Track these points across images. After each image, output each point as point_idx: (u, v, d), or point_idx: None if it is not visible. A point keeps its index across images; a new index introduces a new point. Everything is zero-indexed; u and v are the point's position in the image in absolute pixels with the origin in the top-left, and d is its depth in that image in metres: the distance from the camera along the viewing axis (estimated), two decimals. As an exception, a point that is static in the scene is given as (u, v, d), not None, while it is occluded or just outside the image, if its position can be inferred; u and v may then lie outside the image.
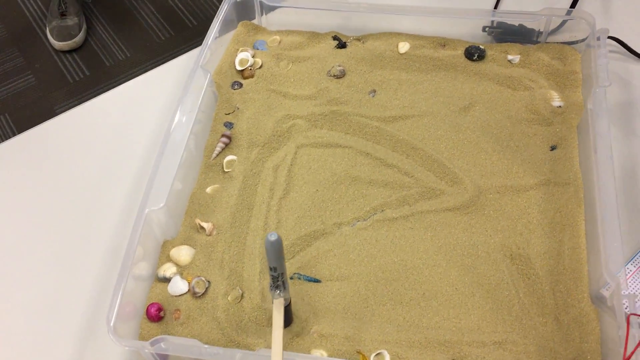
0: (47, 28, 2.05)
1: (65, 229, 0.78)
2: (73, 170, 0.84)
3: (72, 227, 0.79)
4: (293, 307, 0.67)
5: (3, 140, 0.90)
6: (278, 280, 0.59)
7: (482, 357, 0.65)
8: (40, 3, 2.29)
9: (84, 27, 2.06)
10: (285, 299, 0.62)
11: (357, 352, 0.65)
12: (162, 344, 0.61)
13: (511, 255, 0.72)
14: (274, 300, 0.61)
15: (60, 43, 2.01)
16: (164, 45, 2.12)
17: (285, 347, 0.66)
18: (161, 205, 0.71)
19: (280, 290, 0.60)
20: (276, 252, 0.55)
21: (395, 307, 0.69)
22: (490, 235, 0.73)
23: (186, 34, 2.11)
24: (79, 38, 2.03)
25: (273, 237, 0.54)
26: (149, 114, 0.89)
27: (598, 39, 0.82)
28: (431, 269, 0.71)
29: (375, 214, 0.76)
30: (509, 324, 0.67)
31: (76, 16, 2.05)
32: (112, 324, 0.62)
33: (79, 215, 0.80)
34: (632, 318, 0.59)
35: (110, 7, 2.19)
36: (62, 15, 2.02)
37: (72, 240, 0.77)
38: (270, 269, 0.58)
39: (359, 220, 0.76)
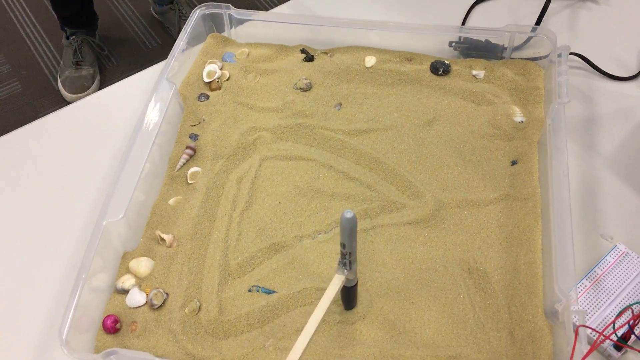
0: (59, 79, 1.97)
1: (25, 240, 0.78)
2: (35, 180, 0.84)
3: (33, 237, 0.79)
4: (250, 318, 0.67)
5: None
6: (345, 258, 0.60)
7: (435, 371, 0.65)
8: (24, 3, 2.30)
9: (98, 77, 1.99)
10: (348, 279, 0.63)
11: (311, 365, 0.66)
12: (113, 357, 0.61)
13: (469, 269, 0.72)
14: (335, 275, 0.62)
15: (73, 95, 1.93)
16: (152, 52, 2.13)
17: (240, 360, 0.66)
18: (120, 216, 0.71)
19: (345, 268, 0.61)
20: (347, 230, 0.57)
21: (351, 320, 0.69)
22: (449, 249, 0.74)
23: (172, 43, 2.13)
24: (92, 90, 1.95)
25: (349, 215, 0.55)
26: (115, 125, 0.89)
27: (559, 55, 0.83)
28: (389, 283, 0.72)
29: (336, 227, 0.77)
30: (464, 338, 0.67)
31: (91, 67, 1.97)
32: (64, 337, 0.62)
33: (40, 226, 0.80)
34: (580, 330, 0.60)
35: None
36: (77, 65, 1.94)
37: (32, 252, 0.77)
38: (341, 244, 0.59)
39: (320, 233, 0.76)
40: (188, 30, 0.89)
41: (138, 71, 0.96)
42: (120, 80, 0.96)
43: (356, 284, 0.66)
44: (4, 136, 0.89)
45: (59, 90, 1.99)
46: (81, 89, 1.94)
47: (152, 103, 0.81)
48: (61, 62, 2.01)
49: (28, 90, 2.04)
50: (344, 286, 0.65)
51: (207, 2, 0.93)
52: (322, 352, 0.67)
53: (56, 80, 2.01)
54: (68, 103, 1.94)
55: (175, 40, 0.88)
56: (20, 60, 2.13)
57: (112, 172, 0.83)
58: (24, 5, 2.31)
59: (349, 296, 0.68)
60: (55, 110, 0.93)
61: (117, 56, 2.12)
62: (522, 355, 0.66)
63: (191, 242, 0.75)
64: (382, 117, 0.86)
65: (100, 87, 1.99)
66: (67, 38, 1.98)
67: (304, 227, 0.77)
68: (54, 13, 2.00)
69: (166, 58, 0.86)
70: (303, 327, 0.68)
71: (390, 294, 0.71)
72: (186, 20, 0.90)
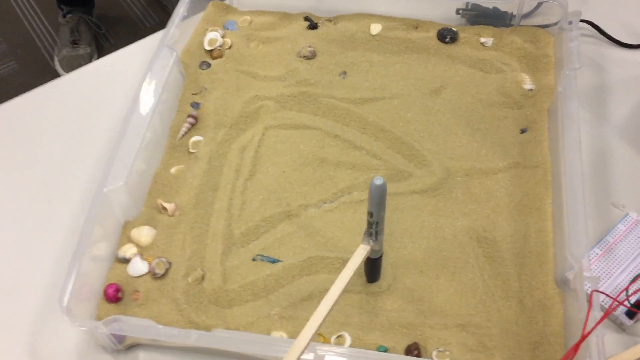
0: (56, 58, 1.93)
1: (27, 209, 0.77)
2: (36, 149, 0.82)
3: (34, 207, 0.77)
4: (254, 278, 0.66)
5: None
6: (372, 227, 0.58)
7: (444, 340, 0.64)
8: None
9: (95, 56, 1.94)
10: (374, 250, 0.61)
11: (318, 334, 0.64)
12: (115, 324, 0.59)
13: (477, 237, 0.71)
14: (361, 244, 0.60)
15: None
16: (149, 30, 2.10)
17: (245, 329, 0.65)
18: (120, 184, 0.69)
19: (371, 238, 0.59)
20: (376, 198, 0.54)
21: (358, 288, 0.68)
22: (457, 218, 0.72)
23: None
24: None
25: (379, 182, 0.53)
26: (115, 94, 0.87)
27: (570, 22, 0.81)
28: (397, 252, 0.70)
29: (342, 196, 0.75)
30: (473, 306, 0.66)
31: (88, 45, 1.93)
32: (65, 304, 0.60)
33: (41, 196, 0.78)
34: (594, 294, 0.59)
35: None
36: (74, 43, 1.90)
37: (33, 221, 0.76)
38: (368, 213, 0.57)
39: (325, 202, 0.75)
40: (189, -3, 0.87)
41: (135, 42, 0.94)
42: (117, 50, 0.94)
43: (381, 257, 0.64)
44: (5, 103, 0.87)
45: (56, 70, 1.96)
46: (78, 68, 1.91)
47: (153, 70, 0.79)
48: (58, 41, 1.97)
49: (25, 70, 2.01)
50: (368, 257, 0.62)
51: (207, -31, 0.91)
52: (329, 322, 0.65)
53: (53, 60, 1.99)
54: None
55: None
56: (16, 39, 2.10)
57: (111, 142, 0.81)
58: (20, -17, 2.27)
59: (372, 268, 0.66)
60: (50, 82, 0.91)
61: (115, 35, 2.09)
62: (532, 324, 0.65)
63: (194, 211, 0.73)
64: (388, 85, 0.84)
65: (96, 60, 1.97)
66: (64, 16, 1.95)
67: (309, 196, 0.75)
68: (50, -10, 1.97)
69: (163, 30, 0.84)
70: (309, 297, 0.67)
71: (398, 262, 0.69)
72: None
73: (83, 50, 1.93)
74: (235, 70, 0.86)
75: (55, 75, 1.96)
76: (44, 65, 2.01)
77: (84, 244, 0.64)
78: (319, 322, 0.55)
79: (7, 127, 0.85)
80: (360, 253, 0.60)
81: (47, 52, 2.04)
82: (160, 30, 0.93)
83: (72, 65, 1.91)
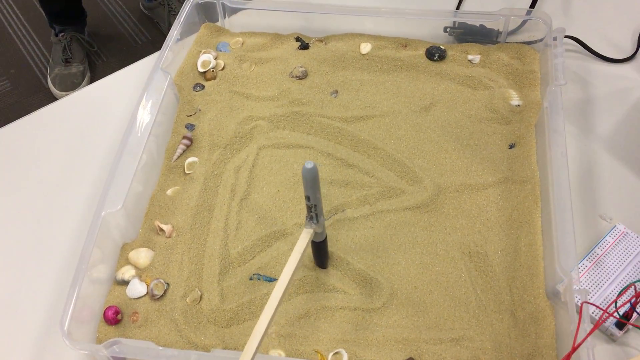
0: (49, 76, 1.95)
1: (25, 232, 0.78)
2: (33, 172, 0.83)
3: (32, 230, 0.78)
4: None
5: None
6: (311, 211, 0.60)
7: (439, 354, 0.65)
8: (10, 0, 2.27)
9: (88, 74, 1.97)
10: (317, 233, 0.63)
11: (315, 351, 0.66)
12: (115, 347, 0.60)
13: (469, 252, 0.72)
14: (304, 229, 0.63)
15: (63, 93, 1.91)
16: (141, 48, 2.11)
17: (241, 348, 0.66)
18: (118, 207, 0.70)
19: (313, 221, 0.61)
20: (310, 181, 0.56)
21: (355, 305, 0.69)
22: (449, 233, 0.74)
23: (162, 38, 2.09)
24: (82, 87, 1.92)
25: (309, 165, 0.55)
26: (110, 117, 0.88)
27: (555, 38, 0.83)
28: (391, 268, 0.72)
29: (336, 213, 0.77)
30: (466, 320, 0.68)
31: (81, 64, 1.95)
32: (65, 328, 0.61)
33: (39, 219, 0.79)
34: (584, 306, 0.60)
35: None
36: (67, 62, 1.92)
37: (32, 244, 0.77)
38: (305, 197, 0.59)
39: (319, 220, 0.76)
40: (181, 20, 0.88)
41: (129, 65, 0.96)
42: (111, 74, 0.95)
43: (325, 239, 0.67)
44: (3, 127, 0.88)
45: (48, 88, 1.97)
46: (71, 86, 1.92)
47: (147, 93, 0.80)
48: (50, 60, 1.99)
49: (17, 89, 2.02)
50: (313, 242, 0.65)
51: (199, -8, 0.92)
52: (326, 339, 0.66)
53: (46, 78, 2.00)
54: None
55: (165, 36, 0.87)
56: (8, 59, 2.11)
57: (107, 165, 0.82)
58: (11, 2, 2.28)
59: (319, 252, 0.68)
60: (46, 105, 0.92)
61: (107, 52, 2.10)
62: (524, 336, 0.66)
63: (190, 232, 0.75)
64: (379, 103, 0.86)
65: (91, 84, 1.98)
66: (56, 35, 1.96)
67: (304, 214, 0.76)
68: (41, 10, 1.98)
69: (157, 52, 0.85)
70: (305, 314, 0.68)
71: (393, 278, 0.71)
72: (176, 15, 0.89)
73: (76, 68, 1.94)
74: (229, 91, 0.88)
75: (48, 93, 1.97)
76: (37, 83, 2.02)
77: (83, 267, 0.65)
78: (275, 306, 0.57)
79: (5, 150, 0.86)
80: (305, 237, 0.62)
81: (39, 70, 2.06)
82: (154, 53, 0.95)
83: (65, 83, 1.92)
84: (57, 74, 1.93)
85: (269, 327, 0.57)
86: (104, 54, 2.10)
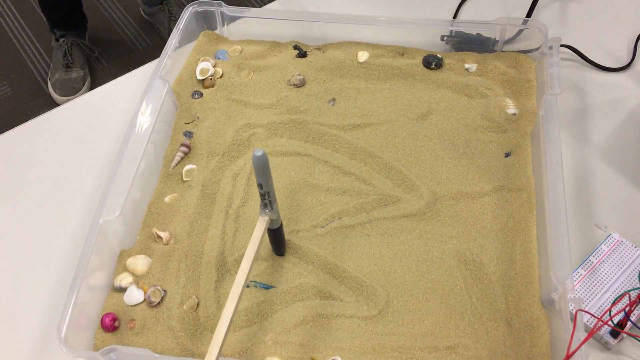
0: (49, 81, 1.96)
1: (22, 239, 0.78)
2: (31, 179, 0.84)
3: (29, 237, 0.78)
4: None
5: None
6: (265, 198, 0.61)
7: (434, 362, 0.66)
8: (11, 5, 2.28)
9: (88, 79, 1.98)
10: (273, 220, 0.65)
11: (311, 358, 0.66)
12: (112, 354, 0.61)
13: (465, 260, 0.73)
14: (260, 217, 0.64)
15: (64, 98, 1.92)
16: (142, 53, 2.12)
17: (240, 355, 0.66)
18: (116, 214, 0.71)
19: (267, 209, 0.63)
20: (260, 169, 0.57)
21: (351, 313, 0.69)
22: (445, 241, 0.74)
23: (162, 44, 2.09)
24: (83, 92, 1.93)
25: (259, 153, 0.56)
26: (109, 124, 0.89)
27: (550, 47, 0.84)
28: (387, 276, 0.72)
29: (333, 221, 0.77)
30: (462, 328, 0.68)
31: (81, 69, 1.96)
32: (63, 335, 0.62)
33: (37, 226, 0.79)
34: (579, 314, 0.60)
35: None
36: (67, 67, 1.93)
37: (28, 251, 0.77)
38: (258, 185, 0.60)
39: (316, 228, 0.76)
40: (180, 28, 0.89)
41: (128, 72, 0.96)
42: (110, 81, 0.96)
43: (281, 226, 0.68)
44: (2, 134, 0.89)
45: (49, 93, 1.98)
46: (72, 91, 1.93)
47: (146, 101, 0.81)
48: (51, 65, 2.00)
49: (18, 93, 2.03)
50: (269, 229, 0.66)
51: (194, 2, 0.93)
52: (322, 347, 0.67)
53: (46, 83, 2.00)
54: (59, 105, 1.95)
55: (165, 41, 0.87)
56: (9, 63, 2.11)
57: (106, 172, 0.83)
58: (12, 8, 2.29)
59: (276, 239, 0.69)
60: (46, 112, 0.93)
61: (107, 58, 2.11)
62: (519, 344, 0.66)
63: (188, 239, 0.75)
64: (376, 111, 0.86)
65: (91, 89, 1.99)
66: (57, 40, 1.97)
67: (301, 222, 0.77)
68: (42, 15, 1.99)
69: (156, 59, 0.86)
70: (302, 322, 0.69)
71: (389, 286, 0.71)
72: (176, 21, 0.89)
73: (76, 73, 1.95)
74: (227, 99, 0.88)
75: (48, 98, 1.98)
76: (37, 88, 2.03)
77: (81, 274, 0.66)
78: (238, 294, 0.59)
79: (4, 156, 0.86)
80: (261, 224, 0.64)
81: (40, 75, 2.06)
82: (153, 60, 0.95)
83: (65, 88, 1.93)
84: (58, 79, 1.94)
85: (233, 317, 0.58)
86: (104, 59, 2.10)
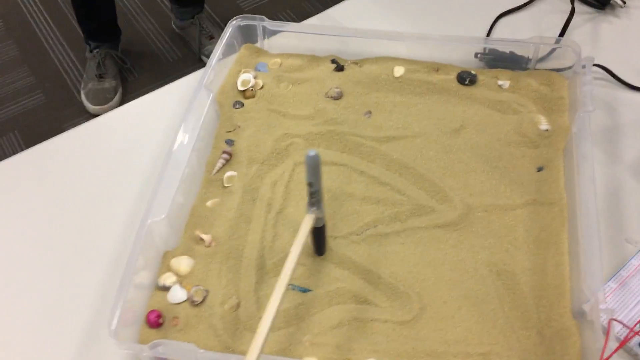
0: (82, 91, 2.02)
1: (70, 240, 0.82)
2: (79, 183, 0.88)
3: (77, 237, 0.82)
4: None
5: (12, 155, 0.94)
6: (313, 197, 0.64)
7: (467, 368, 0.67)
8: (48, 17, 2.35)
9: (120, 89, 2.03)
10: (318, 218, 0.67)
11: (348, 360, 0.68)
12: (159, 348, 0.64)
13: (497, 270, 0.75)
14: (307, 215, 0.66)
15: (96, 107, 1.97)
16: (172, 65, 2.17)
17: (278, 354, 0.69)
18: (163, 216, 0.74)
19: (315, 207, 0.65)
20: (312, 168, 0.60)
21: (386, 317, 0.71)
22: (478, 252, 0.76)
23: (193, 57, 2.15)
24: (114, 102, 1.99)
25: (312, 153, 0.59)
26: (154, 132, 0.92)
27: (583, 66, 0.86)
28: (421, 283, 0.74)
29: (369, 229, 0.79)
30: (494, 336, 0.70)
31: (114, 79, 2.01)
32: (113, 328, 0.65)
33: (84, 227, 0.83)
34: (612, 323, 0.62)
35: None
36: (100, 77, 1.99)
37: (77, 251, 0.81)
38: (308, 184, 0.63)
39: (352, 235, 0.79)
40: (224, 41, 0.93)
41: (161, 84, 1.00)
42: (141, 90, 1.00)
43: (324, 225, 0.71)
44: (50, 140, 0.93)
45: (81, 102, 2.03)
46: (104, 100, 1.98)
47: (191, 109, 0.84)
48: (84, 75, 2.06)
49: (51, 102, 2.09)
50: (315, 228, 0.69)
51: (237, 16, 0.96)
52: (358, 349, 0.69)
53: (79, 92, 2.06)
54: (90, 114, 2.01)
55: (195, 55, 0.91)
56: (44, 73, 2.18)
57: (149, 177, 0.87)
58: (48, 19, 2.36)
59: (319, 238, 0.72)
60: (78, 121, 0.97)
61: (139, 69, 2.17)
62: (550, 354, 0.68)
63: (229, 242, 0.78)
64: (411, 125, 0.89)
65: (122, 99, 2.04)
66: (91, 51, 2.03)
67: (337, 229, 0.79)
68: (78, 27, 2.05)
69: (186, 72, 0.89)
70: (338, 325, 0.71)
71: (423, 293, 0.73)
72: (207, 35, 0.93)
73: (109, 83, 2.01)
74: (267, 109, 0.92)
75: (80, 107, 2.03)
76: (70, 97, 2.09)
77: (130, 272, 0.69)
78: (283, 288, 0.61)
79: (55, 161, 0.90)
80: (308, 222, 0.66)
81: (73, 85, 2.12)
82: (194, 72, 1.00)
83: (97, 98, 1.99)
84: (91, 89, 2.00)
85: (275, 315, 0.61)
86: (136, 70, 2.16)
